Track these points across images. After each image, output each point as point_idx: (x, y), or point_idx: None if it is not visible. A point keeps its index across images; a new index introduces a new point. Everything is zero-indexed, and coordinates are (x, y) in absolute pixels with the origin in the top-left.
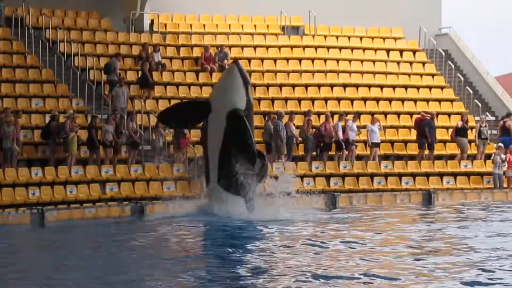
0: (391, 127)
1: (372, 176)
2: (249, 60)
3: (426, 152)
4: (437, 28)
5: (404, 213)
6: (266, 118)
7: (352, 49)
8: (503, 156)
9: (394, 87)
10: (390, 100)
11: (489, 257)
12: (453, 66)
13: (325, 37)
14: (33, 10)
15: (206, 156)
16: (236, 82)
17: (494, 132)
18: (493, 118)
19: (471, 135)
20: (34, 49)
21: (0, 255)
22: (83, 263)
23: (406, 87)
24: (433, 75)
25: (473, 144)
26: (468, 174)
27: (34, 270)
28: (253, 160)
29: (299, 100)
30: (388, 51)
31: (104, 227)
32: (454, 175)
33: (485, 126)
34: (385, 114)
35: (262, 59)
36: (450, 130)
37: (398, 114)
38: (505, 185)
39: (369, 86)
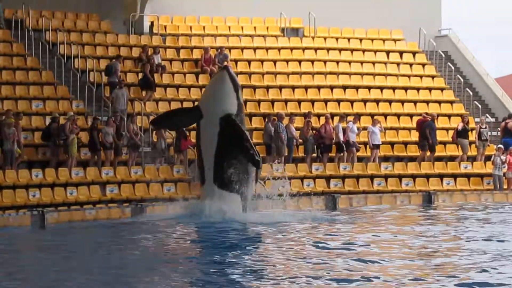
0: (391, 128)
1: (372, 177)
2: (249, 61)
3: (428, 154)
4: (437, 29)
5: (404, 215)
6: (266, 120)
7: (352, 50)
8: (503, 157)
9: (394, 88)
10: (390, 101)
11: (489, 259)
12: (453, 67)
13: (325, 38)
14: (33, 12)
15: (200, 158)
16: (227, 88)
17: (494, 133)
18: (493, 120)
19: (472, 136)
20: (34, 51)
21: (1, 257)
22: (83, 264)
23: (406, 88)
24: (433, 77)
25: (473, 145)
26: (468, 176)
27: (35, 271)
28: (256, 161)
29: (299, 101)
30: (388, 52)
31: (105, 228)
32: (454, 176)
33: (485, 128)
34: (385, 115)
35: (262, 61)
36: (450, 132)
37: (398, 115)
38: (505, 186)
39: (369, 88)
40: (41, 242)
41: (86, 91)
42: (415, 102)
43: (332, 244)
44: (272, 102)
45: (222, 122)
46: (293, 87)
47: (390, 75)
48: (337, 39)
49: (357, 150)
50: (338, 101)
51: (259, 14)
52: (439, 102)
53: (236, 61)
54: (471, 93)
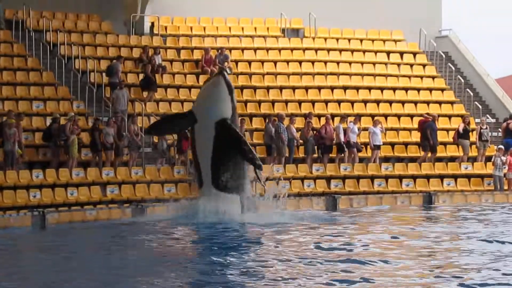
0: (391, 129)
1: (372, 178)
2: (249, 62)
3: (429, 154)
4: (437, 30)
5: (404, 215)
6: (267, 121)
7: (353, 51)
8: (503, 158)
9: (394, 89)
10: (390, 102)
11: (489, 259)
12: (453, 68)
13: (325, 39)
14: (34, 12)
15: (196, 161)
16: (223, 93)
17: (495, 134)
18: (493, 120)
19: (473, 137)
20: (34, 52)
21: (1, 257)
22: (83, 265)
23: (406, 89)
24: (433, 77)
25: (473, 146)
26: (468, 176)
27: (35, 272)
28: (258, 164)
29: (300, 102)
30: (388, 53)
31: (105, 229)
32: (455, 177)
33: (486, 128)
34: (386, 116)
35: (262, 62)
36: (451, 132)
37: (399, 116)
38: (505, 187)
39: (370, 88)
40: (42, 243)
41: (87, 92)
42: (415, 102)
43: (332, 245)
44: (273, 102)
45: (218, 126)
46: (294, 88)
47: (391, 75)
48: (337, 39)
49: (359, 151)
50: (339, 101)
51: (260, 15)
52: (440, 102)
53: (236, 61)
54: (471, 94)
